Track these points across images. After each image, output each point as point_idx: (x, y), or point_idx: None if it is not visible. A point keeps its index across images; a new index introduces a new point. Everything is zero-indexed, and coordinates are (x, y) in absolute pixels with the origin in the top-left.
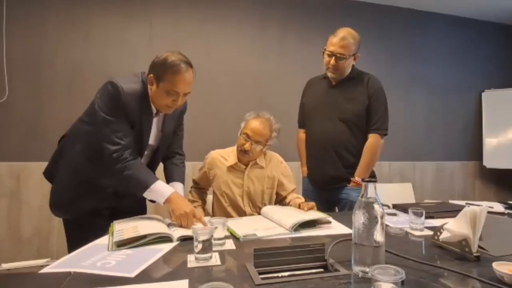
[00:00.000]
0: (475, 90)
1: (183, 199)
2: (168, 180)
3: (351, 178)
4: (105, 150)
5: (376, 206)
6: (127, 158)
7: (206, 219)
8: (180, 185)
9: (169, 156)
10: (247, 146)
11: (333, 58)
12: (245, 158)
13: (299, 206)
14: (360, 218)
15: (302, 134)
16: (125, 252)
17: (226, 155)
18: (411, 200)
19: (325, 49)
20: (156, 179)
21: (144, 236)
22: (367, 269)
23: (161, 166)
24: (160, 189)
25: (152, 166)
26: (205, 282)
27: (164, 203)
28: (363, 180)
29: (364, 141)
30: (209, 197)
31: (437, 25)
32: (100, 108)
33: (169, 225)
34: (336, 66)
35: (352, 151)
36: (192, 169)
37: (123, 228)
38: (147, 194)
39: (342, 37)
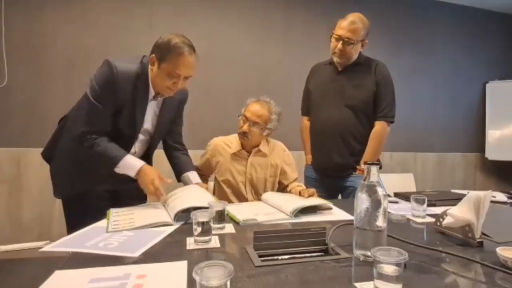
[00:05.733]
0: (479, 81)
1: (153, 169)
2: (184, 169)
3: (357, 166)
4: (77, 128)
5: (379, 189)
6: (94, 136)
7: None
8: (196, 173)
9: (177, 148)
10: (245, 127)
11: (340, 42)
12: (245, 142)
13: (299, 193)
14: (362, 201)
15: (306, 121)
16: (127, 233)
17: (229, 142)
18: (412, 190)
19: (332, 33)
20: (126, 153)
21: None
22: (368, 253)
23: (162, 155)
24: (131, 162)
25: (148, 152)
26: None
27: (135, 176)
28: (365, 163)
29: (370, 128)
30: (210, 184)
31: (442, 15)
32: (91, 88)
33: (165, 203)
34: (343, 50)
35: (358, 138)
36: (192, 157)
37: (119, 219)
38: (118, 169)
39: (352, 21)
